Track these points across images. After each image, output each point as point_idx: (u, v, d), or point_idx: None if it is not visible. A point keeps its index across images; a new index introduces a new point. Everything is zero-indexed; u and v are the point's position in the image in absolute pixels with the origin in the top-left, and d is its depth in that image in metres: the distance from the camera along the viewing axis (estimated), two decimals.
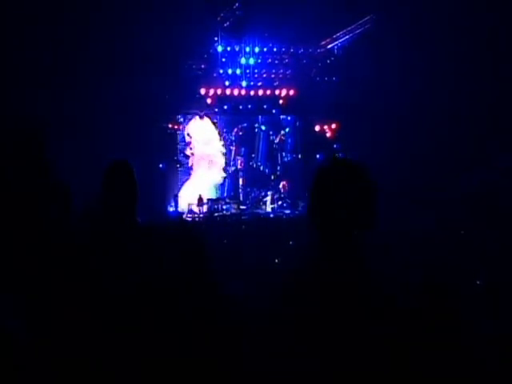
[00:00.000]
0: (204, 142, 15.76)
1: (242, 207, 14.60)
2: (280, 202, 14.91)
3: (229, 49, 14.93)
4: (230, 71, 15.25)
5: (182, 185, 14.90)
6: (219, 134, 16.01)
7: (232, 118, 16.10)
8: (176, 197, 14.28)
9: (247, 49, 15.08)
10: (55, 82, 11.69)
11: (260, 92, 15.51)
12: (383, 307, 1.81)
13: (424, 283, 2.09)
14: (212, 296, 2.51)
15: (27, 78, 11.34)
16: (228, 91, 15.28)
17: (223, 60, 14.93)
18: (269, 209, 14.80)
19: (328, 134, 15.80)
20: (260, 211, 14.44)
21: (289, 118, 16.53)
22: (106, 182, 3.40)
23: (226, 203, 14.62)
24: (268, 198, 15.12)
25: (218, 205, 14.50)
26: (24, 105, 10.77)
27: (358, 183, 1.96)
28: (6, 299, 1.72)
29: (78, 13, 11.49)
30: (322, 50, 15.46)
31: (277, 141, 16.51)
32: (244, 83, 15.40)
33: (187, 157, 15.13)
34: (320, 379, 1.75)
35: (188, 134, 15.41)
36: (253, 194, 15.52)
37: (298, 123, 16.53)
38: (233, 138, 16.22)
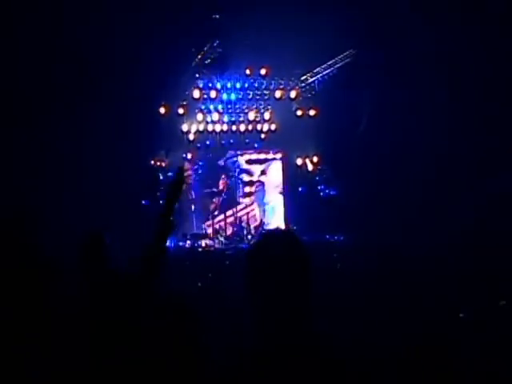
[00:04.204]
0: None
1: (225, 242, 14.58)
2: None
3: (210, 85, 15.04)
4: (211, 107, 15.36)
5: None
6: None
7: (213, 154, 16.09)
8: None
9: (228, 84, 15.22)
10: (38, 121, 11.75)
11: (242, 127, 15.61)
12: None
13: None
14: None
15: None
16: (210, 127, 15.37)
17: (204, 96, 15.02)
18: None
19: (310, 168, 15.91)
20: (244, 246, 14.38)
21: (270, 152, 16.63)
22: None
23: (210, 238, 14.61)
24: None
25: (200, 240, 14.47)
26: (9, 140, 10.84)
27: (291, 256, 1.97)
28: None
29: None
30: (303, 84, 15.64)
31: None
32: (226, 118, 15.52)
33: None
34: None
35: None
36: (235, 229, 15.48)
37: (279, 157, 16.66)
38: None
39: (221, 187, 16.11)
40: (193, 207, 15.69)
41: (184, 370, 2.50)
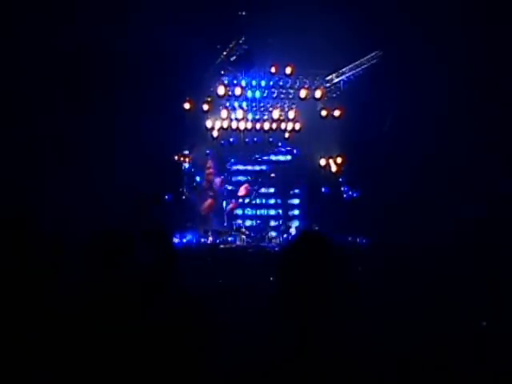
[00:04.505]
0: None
1: (247, 240, 14.55)
2: (285, 235, 14.86)
3: (235, 82, 15.01)
4: (236, 104, 15.34)
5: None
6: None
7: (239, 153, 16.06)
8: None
9: (253, 82, 15.17)
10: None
11: (266, 125, 15.56)
12: None
13: None
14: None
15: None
16: (234, 124, 15.34)
17: (229, 93, 14.98)
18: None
19: (333, 168, 15.81)
20: (264, 244, 14.35)
21: (295, 151, 16.56)
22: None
23: (231, 235, 14.58)
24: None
25: (222, 237, 14.45)
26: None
27: (323, 254, 2.07)
28: None
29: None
30: (328, 84, 15.55)
31: None
32: (250, 116, 15.49)
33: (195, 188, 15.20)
34: None
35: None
36: (256, 227, 15.45)
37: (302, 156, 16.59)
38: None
39: (242, 193, 16.00)
40: (225, 206, 15.71)
41: (189, 368, 2.48)
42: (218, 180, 15.78)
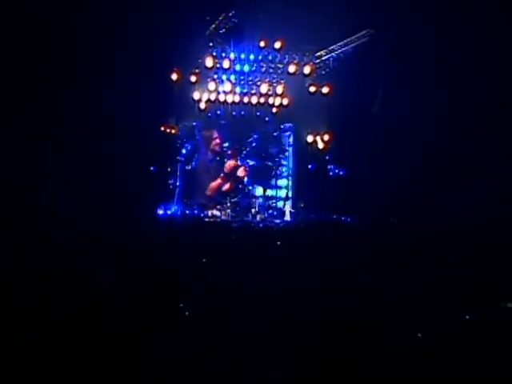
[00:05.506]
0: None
1: (231, 214, 14.53)
2: (270, 211, 14.87)
3: (223, 54, 14.85)
4: (224, 77, 15.21)
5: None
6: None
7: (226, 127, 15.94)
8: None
9: (242, 55, 15.04)
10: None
11: (254, 99, 15.48)
12: None
13: None
14: None
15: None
16: (222, 97, 15.23)
17: (217, 65, 14.84)
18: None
19: (320, 145, 15.79)
20: (248, 219, 14.36)
21: (282, 126, 16.50)
22: None
23: (217, 209, 14.55)
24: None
25: (206, 211, 14.41)
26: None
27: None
28: None
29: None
30: (317, 60, 15.46)
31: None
32: (238, 89, 15.38)
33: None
34: None
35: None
36: (241, 202, 15.40)
37: (290, 133, 16.51)
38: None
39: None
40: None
41: None
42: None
